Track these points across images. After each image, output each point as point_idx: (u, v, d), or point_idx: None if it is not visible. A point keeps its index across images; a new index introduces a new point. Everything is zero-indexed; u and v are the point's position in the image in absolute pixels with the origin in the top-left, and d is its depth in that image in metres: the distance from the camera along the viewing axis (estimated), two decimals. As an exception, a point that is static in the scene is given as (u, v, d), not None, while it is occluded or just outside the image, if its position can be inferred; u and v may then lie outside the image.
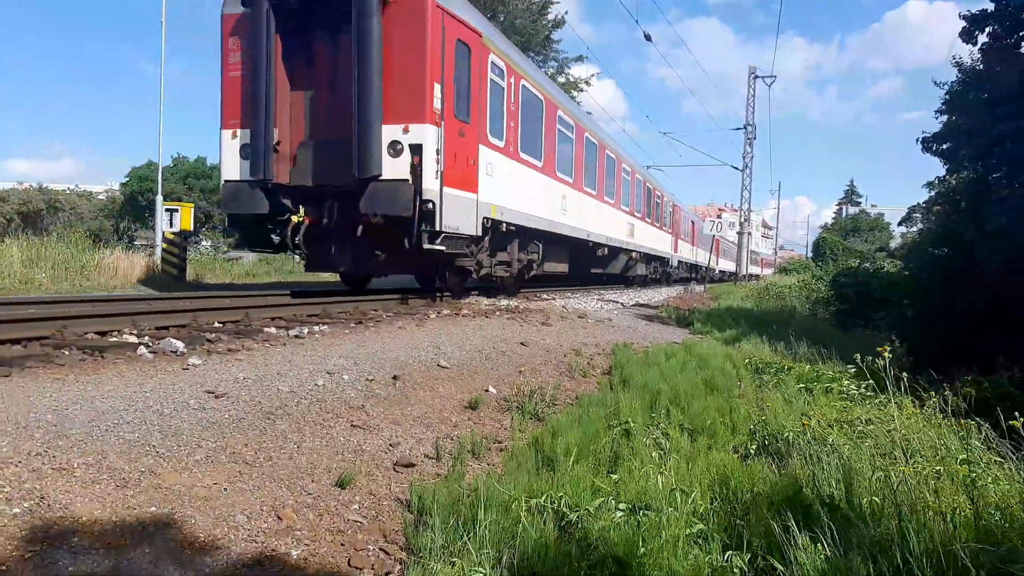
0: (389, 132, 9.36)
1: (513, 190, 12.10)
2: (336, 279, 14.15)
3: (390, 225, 9.47)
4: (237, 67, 10.20)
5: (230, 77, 10.29)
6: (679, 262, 31.33)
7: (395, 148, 9.39)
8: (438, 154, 9.52)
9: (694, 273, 35.04)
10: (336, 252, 10.48)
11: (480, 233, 10.85)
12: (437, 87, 9.54)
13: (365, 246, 10.12)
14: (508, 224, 11.90)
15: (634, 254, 22.42)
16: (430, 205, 9.45)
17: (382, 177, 9.40)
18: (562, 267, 16.04)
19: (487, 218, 11.05)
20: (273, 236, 10.41)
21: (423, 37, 9.37)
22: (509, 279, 13.18)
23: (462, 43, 10.19)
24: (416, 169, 9.39)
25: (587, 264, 18.65)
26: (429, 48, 9.40)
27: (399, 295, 11.31)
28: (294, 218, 9.89)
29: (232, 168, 10.29)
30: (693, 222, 36.11)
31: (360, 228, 9.64)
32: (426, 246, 9.55)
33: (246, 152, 10.05)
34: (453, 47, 9.95)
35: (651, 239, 24.35)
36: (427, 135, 9.38)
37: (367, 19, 9.12)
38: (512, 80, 12.08)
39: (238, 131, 10.26)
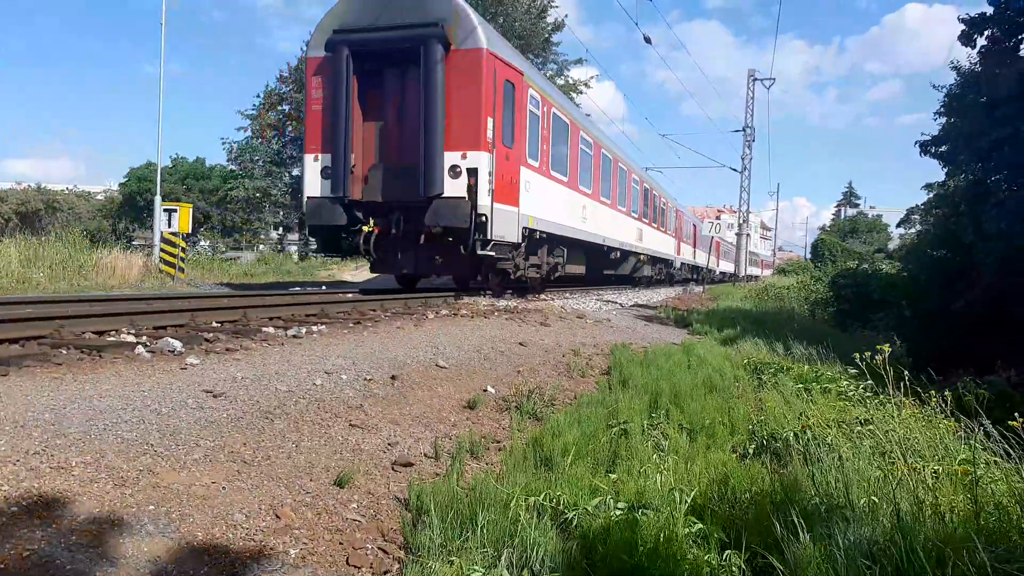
0: (450, 158, 11.21)
1: (545, 203, 13.94)
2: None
3: (449, 235, 11.29)
4: (319, 102, 12.02)
5: (313, 110, 12.15)
6: (682, 264, 32.82)
7: (455, 171, 11.23)
8: (490, 176, 11.33)
9: (695, 274, 36.34)
10: (401, 257, 12.28)
11: (520, 240, 12.65)
12: (490, 120, 11.37)
13: (425, 252, 11.93)
14: (540, 232, 13.71)
15: (642, 256, 24.08)
16: (483, 218, 11.21)
17: (444, 195, 11.19)
18: (580, 269, 17.79)
19: (525, 228, 12.79)
20: (346, 242, 12.20)
21: (479, 80, 11.24)
22: (538, 280, 14.80)
23: (508, 82, 12.13)
24: (472, 188, 11.18)
25: (601, 266, 20.22)
26: (483, 89, 11.27)
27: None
28: (365, 228, 11.68)
29: (314, 186, 12.03)
30: (695, 225, 37.25)
31: (423, 237, 11.48)
32: (479, 252, 11.38)
33: (327, 173, 11.84)
34: (501, 86, 11.84)
35: (657, 243, 26.00)
36: (481, 161, 11.20)
37: (434, 66, 11.05)
38: (545, 109, 13.94)
39: (319, 155, 12.00)
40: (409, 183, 11.30)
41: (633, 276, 24.72)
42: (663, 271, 29.00)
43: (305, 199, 12.18)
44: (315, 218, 11.98)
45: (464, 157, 11.23)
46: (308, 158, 12.23)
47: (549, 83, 15.49)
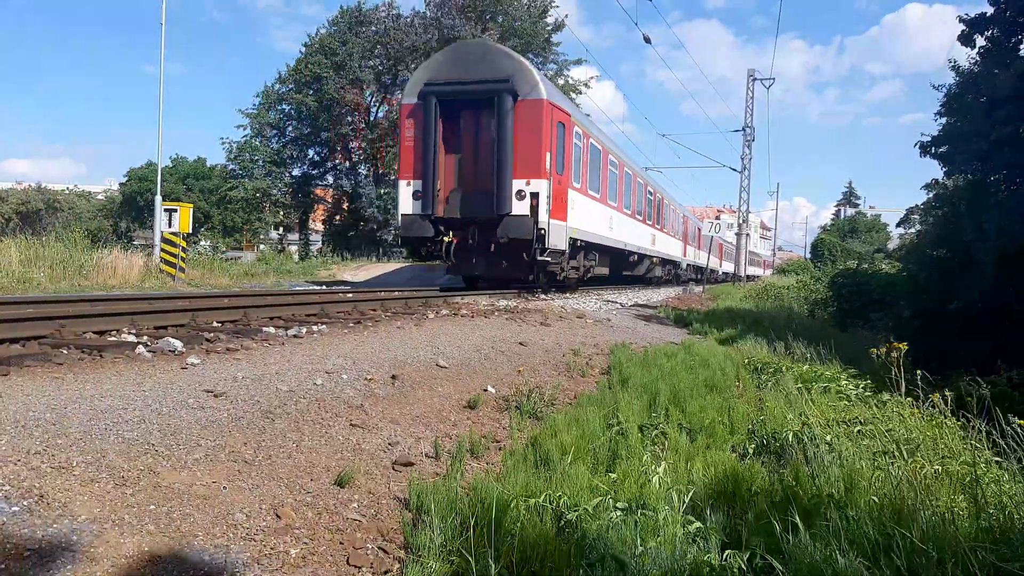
0: (517, 184, 14.02)
1: (585, 217, 16.87)
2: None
3: (514, 244, 14.01)
4: (411, 139, 14.74)
5: (406, 145, 14.91)
6: (687, 265, 35.26)
7: (520, 195, 14.02)
8: (548, 198, 14.08)
9: (699, 274, 37.97)
10: (475, 262, 14.94)
11: (567, 248, 15.39)
12: (548, 154, 14.20)
13: (494, 258, 14.60)
14: (581, 241, 16.61)
15: (654, 259, 26.88)
16: (542, 231, 14.01)
17: (512, 213, 13.96)
18: (605, 271, 20.50)
19: (571, 238, 15.65)
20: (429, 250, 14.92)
21: (540, 124, 14.06)
22: (575, 280, 17.71)
23: (560, 123, 15.03)
24: (534, 208, 13.95)
25: (621, 268, 22.94)
26: (543, 131, 14.09)
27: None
28: (445, 239, 14.42)
29: (407, 205, 14.82)
30: (699, 228, 39.05)
31: (493, 246, 14.17)
32: (538, 258, 14.15)
33: (416, 196, 14.62)
34: (556, 127, 14.71)
35: (667, 247, 28.78)
36: (541, 186, 14.05)
37: (505, 113, 13.92)
38: (585, 140, 17.00)
39: (411, 181, 14.78)
40: (483, 203, 14.16)
41: (646, 276, 27.09)
42: (672, 272, 31.61)
43: (400, 216, 15.13)
44: (407, 231, 14.78)
45: (528, 183, 14.03)
46: (402, 183, 15.08)
47: (587, 118, 18.78)
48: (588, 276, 18.60)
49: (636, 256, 23.16)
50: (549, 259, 14.57)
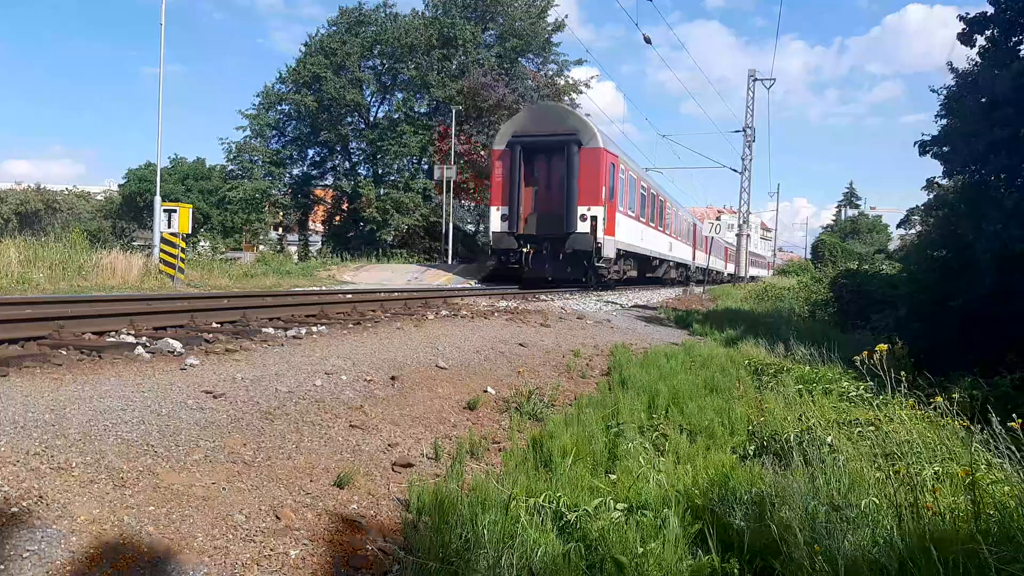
0: (580, 209, 18.89)
1: (625, 232, 21.57)
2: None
3: (578, 254, 18.95)
4: (500, 176, 19.82)
5: (496, 180, 20.06)
6: (696, 267, 39.10)
7: (583, 217, 18.89)
8: (603, 220, 18.97)
9: (706, 275, 40.97)
10: (546, 267, 19.60)
11: (614, 257, 20.41)
12: (604, 188, 19.10)
13: (561, 264, 19.33)
14: (622, 250, 21.37)
15: (670, 263, 31.20)
16: (599, 245, 18.94)
17: (576, 231, 18.83)
18: (635, 273, 25.15)
19: (618, 249, 20.56)
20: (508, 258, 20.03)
21: (598, 166, 18.99)
22: (615, 280, 22.57)
23: (612, 164, 19.98)
24: (593, 227, 18.84)
25: (646, 271, 27.24)
26: (600, 171, 19.02)
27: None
28: (524, 250, 19.43)
29: (497, 225, 19.94)
30: (707, 235, 42.01)
31: (561, 255, 19.03)
32: (595, 264, 19.20)
33: (504, 217, 19.67)
34: (609, 167, 19.62)
35: (680, 252, 32.89)
36: (599, 211, 18.94)
37: (572, 158, 18.92)
38: (627, 174, 21.93)
39: (500, 207, 19.85)
40: (554, 224, 19.04)
41: (663, 278, 31.12)
42: (683, 273, 35.65)
43: (491, 233, 20.32)
44: (498, 243, 19.97)
45: (589, 209, 18.87)
46: (493, 208, 20.28)
47: (630, 158, 23.55)
48: (624, 277, 23.65)
49: (657, 261, 28.04)
50: (602, 265, 19.74)
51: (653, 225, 26.37)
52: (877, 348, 4.00)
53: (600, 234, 18.89)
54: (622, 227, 20.90)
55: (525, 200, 19.61)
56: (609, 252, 19.54)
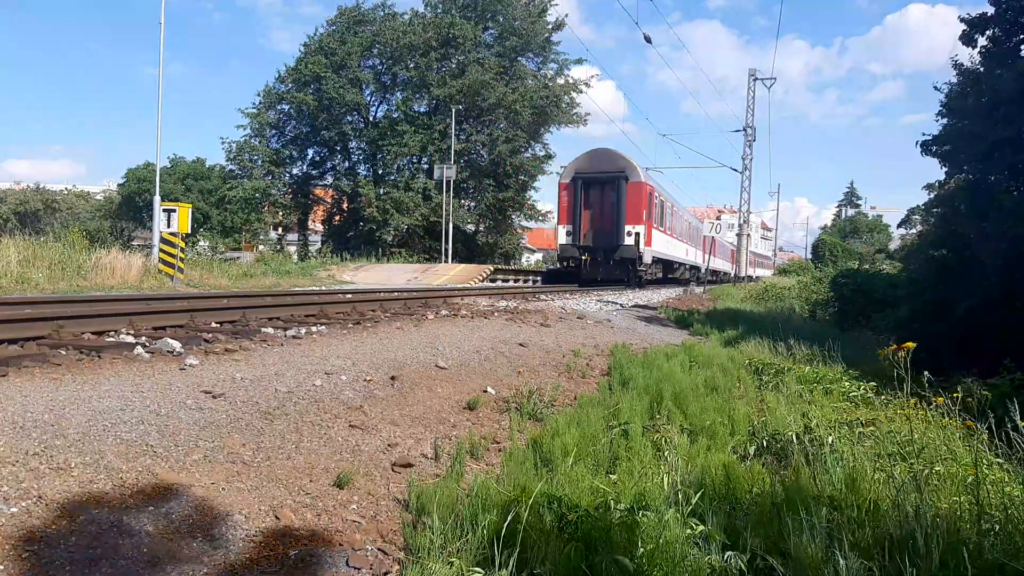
0: (627, 227, 24.33)
1: (659, 243, 27.20)
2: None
3: (624, 261, 24.55)
4: (566, 202, 25.18)
5: (563, 205, 25.44)
6: (706, 269, 43.01)
7: (629, 234, 24.36)
8: (644, 235, 24.57)
9: (715, 276, 45.02)
10: (600, 270, 25.08)
11: (651, 263, 26.29)
12: (644, 211, 24.56)
13: (611, 269, 24.93)
14: (655, 258, 26.89)
15: (686, 266, 36.35)
16: (641, 254, 24.51)
17: (624, 244, 24.30)
18: (660, 275, 30.28)
19: (653, 257, 26.25)
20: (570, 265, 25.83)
21: (640, 196, 24.47)
22: (648, 280, 27.40)
23: (650, 193, 25.58)
24: (636, 241, 24.40)
25: (668, 273, 32.34)
26: (642, 199, 24.51)
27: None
28: (583, 258, 24.80)
29: (563, 239, 25.24)
30: (714, 238, 45.90)
31: (611, 261, 24.63)
32: (637, 268, 24.83)
33: (568, 233, 24.97)
34: (648, 195, 25.17)
35: (693, 256, 37.71)
36: (641, 229, 24.46)
37: (621, 189, 24.38)
38: (660, 199, 27.89)
39: (566, 225, 25.13)
40: (607, 238, 24.69)
41: (680, 278, 35.58)
42: (695, 274, 39.88)
43: (559, 244, 25.84)
44: (563, 253, 25.49)
45: (633, 227, 24.58)
46: (560, 226, 25.88)
47: (659, 184, 29.43)
48: (655, 279, 29.22)
49: (677, 264, 33.57)
50: (642, 269, 25.49)
51: (675, 236, 32.11)
52: (885, 350, 3.97)
53: (642, 245, 24.75)
54: (656, 240, 26.84)
55: (583, 220, 25.21)
56: (648, 259, 25.60)
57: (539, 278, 31.11)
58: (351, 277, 25.60)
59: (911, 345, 3.50)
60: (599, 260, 24.85)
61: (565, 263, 25.78)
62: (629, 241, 24.33)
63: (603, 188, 24.93)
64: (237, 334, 6.73)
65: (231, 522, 2.96)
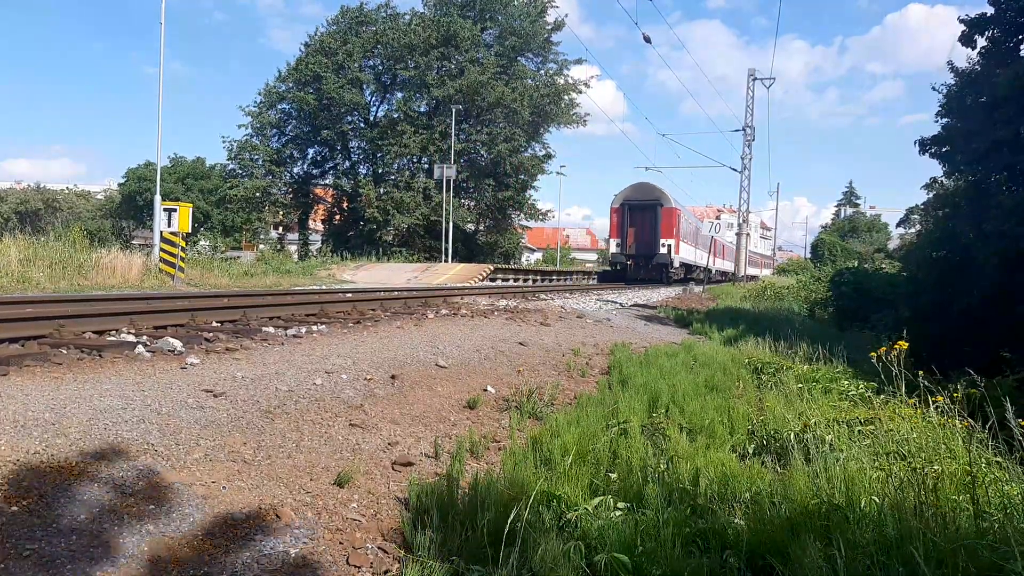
0: (662, 241, 32.82)
1: (683, 251, 34.90)
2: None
3: (660, 266, 33.06)
4: (616, 221, 33.55)
5: (613, 224, 33.81)
6: (714, 270, 47.98)
7: (663, 244, 32.74)
8: (674, 246, 33.08)
9: (723, 276, 49.32)
10: (640, 272, 32.70)
11: (680, 267, 35.12)
12: (674, 228, 33.10)
13: (649, 271, 32.78)
14: (681, 263, 34.89)
15: (700, 267, 41.90)
16: (672, 259, 33.15)
17: (660, 252, 32.74)
18: (682, 275, 36.08)
19: (681, 262, 35.12)
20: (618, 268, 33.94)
21: (672, 217, 33.06)
22: (675, 280, 33.67)
23: (678, 215, 34.04)
24: (669, 251, 32.78)
25: (688, 273, 38.03)
26: (673, 219, 33.11)
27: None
28: (628, 263, 33.23)
29: (614, 248, 33.66)
30: (718, 240, 49.17)
31: (650, 265, 33.03)
32: (669, 271, 33.24)
33: (618, 245, 33.41)
34: (677, 216, 33.61)
35: (702, 259, 42.84)
36: (671, 242, 32.92)
37: (657, 213, 32.90)
38: (683, 218, 35.28)
39: (616, 239, 33.52)
40: (647, 248, 32.31)
41: (695, 278, 40.23)
42: (703, 273, 43.95)
43: (610, 253, 34.00)
44: (614, 259, 33.40)
45: (666, 240, 32.22)
46: (611, 239, 33.83)
47: (684, 208, 36.93)
48: (680, 278, 35.12)
49: (695, 267, 39.80)
50: (672, 272, 32.92)
51: (693, 245, 39.30)
52: (879, 350, 3.99)
53: (672, 254, 32.61)
54: (682, 249, 34.73)
55: (630, 236, 33.03)
56: (676, 264, 33.73)
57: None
58: (351, 276, 25.61)
59: (904, 345, 3.51)
60: (640, 264, 33.18)
61: (615, 266, 34.13)
62: (663, 251, 32.62)
63: (644, 211, 33.04)
64: (238, 333, 6.74)
65: (232, 521, 2.97)
